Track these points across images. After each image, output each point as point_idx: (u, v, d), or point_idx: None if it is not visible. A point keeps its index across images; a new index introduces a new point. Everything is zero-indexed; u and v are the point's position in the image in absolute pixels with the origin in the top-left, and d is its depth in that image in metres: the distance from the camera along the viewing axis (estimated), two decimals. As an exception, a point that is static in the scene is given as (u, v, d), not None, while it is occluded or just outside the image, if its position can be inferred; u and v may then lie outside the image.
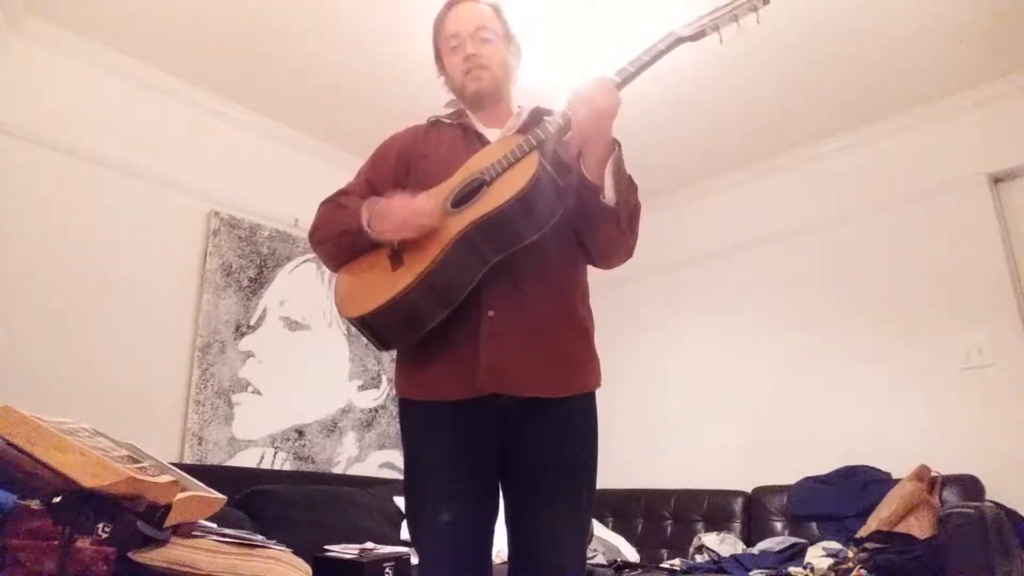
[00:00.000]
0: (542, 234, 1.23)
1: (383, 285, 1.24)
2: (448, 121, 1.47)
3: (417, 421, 1.32)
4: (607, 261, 1.40)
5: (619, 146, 1.27)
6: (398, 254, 1.27)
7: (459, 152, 1.38)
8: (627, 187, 1.29)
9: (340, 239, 1.35)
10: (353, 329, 3.47)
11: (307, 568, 1.59)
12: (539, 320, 1.28)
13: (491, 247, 1.23)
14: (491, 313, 1.25)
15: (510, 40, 1.49)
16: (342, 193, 1.44)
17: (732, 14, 1.27)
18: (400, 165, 1.43)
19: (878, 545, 2.38)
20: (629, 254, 1.39)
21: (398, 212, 1.26)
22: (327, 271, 1.47)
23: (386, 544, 2.43)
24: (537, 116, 1.43)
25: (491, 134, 1.42)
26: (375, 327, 1.26)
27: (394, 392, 1.51)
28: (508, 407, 1.25)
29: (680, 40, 1.29)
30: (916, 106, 3.18)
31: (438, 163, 1.38)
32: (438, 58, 1.51)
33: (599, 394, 1.36)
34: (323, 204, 1.44)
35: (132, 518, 1.34)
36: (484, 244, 1.22)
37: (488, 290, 1.25)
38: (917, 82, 3.01)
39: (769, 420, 3.39)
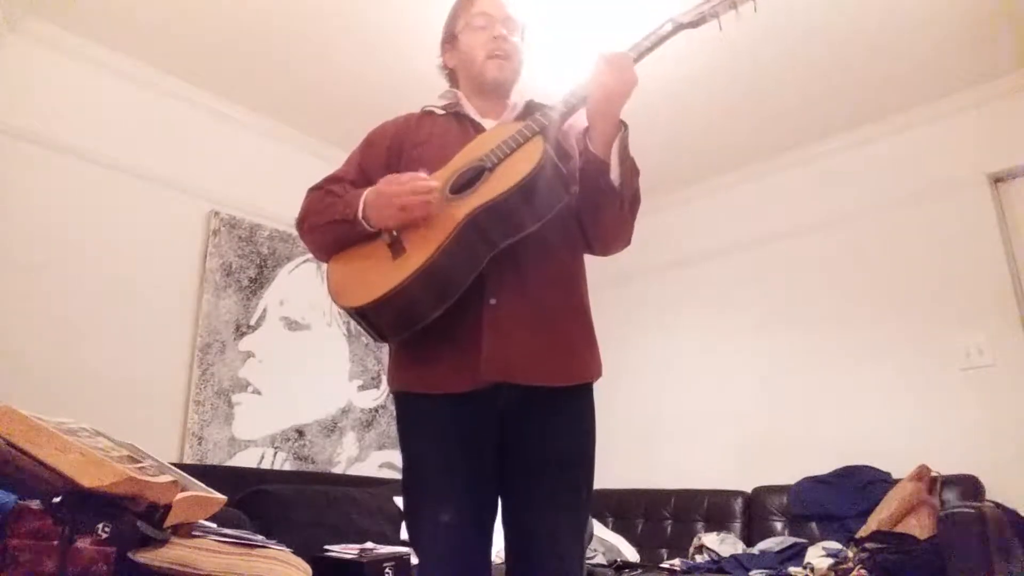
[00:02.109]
0: (545, 222, 1.22)
1: (384, 274, 1.19)
2: (441, 111, 1.45)
3: (415, 417, 1.29)
4: (607, 247, 1.38)
5: (626, 127, 1.26)
6: (398, 241, 1.22)
7: (453, 139, 1.36)
8: (631, 170, 1.28)
9: (332, 228, 1.29)
10: (354, 329, 3.48)
11: (307, 568, 1.59)
12: (543, 308, 1.26)
13: (497, 234, 1.20)
14: (493, 301, 1.22)
15: (523, 45, 1.49)
16: (332, 179, 1.39)
17: (731, 1, 1.26)
18: (392, 152, 1.40)
19: (878, 545, 2.38)
20: (627, 241, 1.38)
21: (397, 191, 1.20)
22: (309, 247, 1.42)
23: (386, 544, 2.43)
24: (531, 110, 1.42)
25: (486, 124, 1.40)
26: (373, 318, 1.21)
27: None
28: (509, 401, 1.23)
29: (680, 26, 1.28)
30: (916, 106, 3.18)
31: (431, 150, 1.35)
32: (451, 38, 1.47)
33: (600, 393, 1.35)
34: (312, 190, 1.39)
35: (132, 518, 1.34)
36: (490, 231, 1.19)
37: (490, 278, 1.22)
38: (917, 82, 3.01)
39: (769, 420, 3.39)
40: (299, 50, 2.82)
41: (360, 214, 1.24)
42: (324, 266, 1.35)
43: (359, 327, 1.27)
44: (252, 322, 3.09)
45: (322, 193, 1.36)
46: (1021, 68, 2.92)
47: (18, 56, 2.60)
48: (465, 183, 1.23)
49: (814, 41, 2.76)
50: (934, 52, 2.82)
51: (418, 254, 1.17)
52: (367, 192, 1.26)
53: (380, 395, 3.54)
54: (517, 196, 1.17)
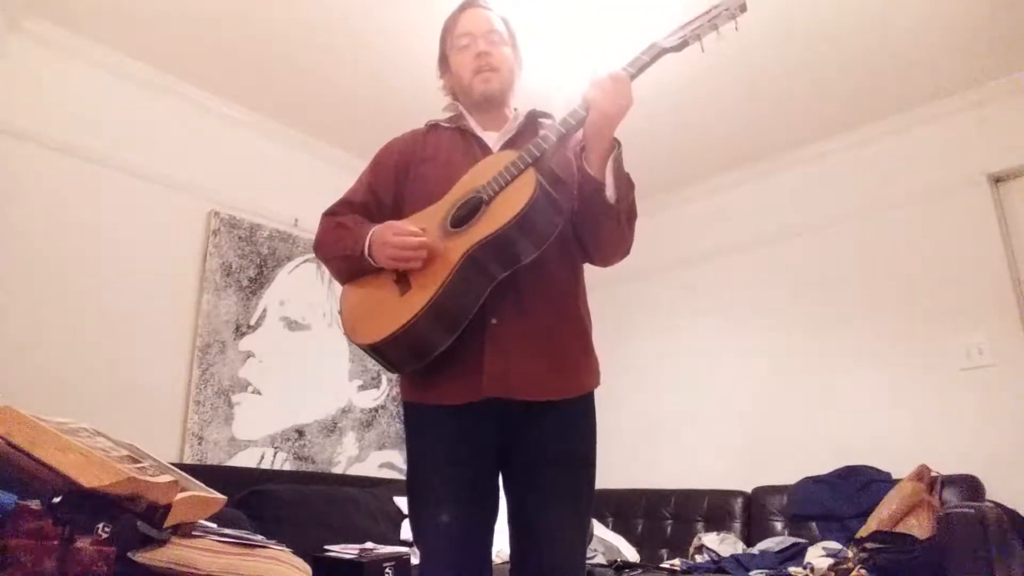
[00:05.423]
0: (540, 251, 1.25)
1: (392, 311, 1.24)
2: (446, 125, 1.48)
3: (420, 423, 1.33)
4: (606, 260, 1.42)
5: (619, 145, 1.29)
6: (404, 277, 1.27)
7: (458, 155, 1.39)
8: (626, 185, 1.31)
9: (342, 261, 1.37)
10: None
11: (307, 568, 1.59)
12: (542, 325, 1.29)
13: (496, 267, 1.24)
14: (494, 321, 1.26)
15: (516, 50, 1.51)
16: (344, 203, 1.45)
17: (712, 23, 1.29)
18: (400, 170, 1.44)
19: (878, 545, 2.38)
20: (627, 252, 1.41)
21: (392, 244, 1.26)
22: (327, 271, 1.48)
23: (386, 544, 2.43)
24: (533, 119, 1.46)
25: (489, 137, 1.43)
26: (386, 354, 1.26)
27: (394, 392, 1.52)
28: (510, 409, 1.26)
29: (663, 51, 1.31)
30: (916, 106, 3.18)
31: (437, 167, 1.39)
32: (443, 60, 1.52)
33: (600, 394, 1.37)
34: (324, 217, 1.45)
35: (132, 518, 1.34)
36: (489, 265, 1.23)
37: (491, 299, 1.26)
38: (917, 82, 3.01)
39: (769, 420, 3.39)
40: (300, 50, 2.82)
41: (366, 251, 1.30)
42: (324, 266, 1.41)
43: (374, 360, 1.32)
44: (252, 322, 3.09)
45: (334, 223, 1.42)
46: (1021, 68, 2.92)
47: (19, 56, 2.60)
48: (465, 215, 1.27)
49: (813, 41, 2.75)
50: (934, 52, 2.82)
51: (423, 291, 1.23)
52: (372, 232, 1.31)
53: (380, 395, 3.54)
54: (511, 232, 1.21)
